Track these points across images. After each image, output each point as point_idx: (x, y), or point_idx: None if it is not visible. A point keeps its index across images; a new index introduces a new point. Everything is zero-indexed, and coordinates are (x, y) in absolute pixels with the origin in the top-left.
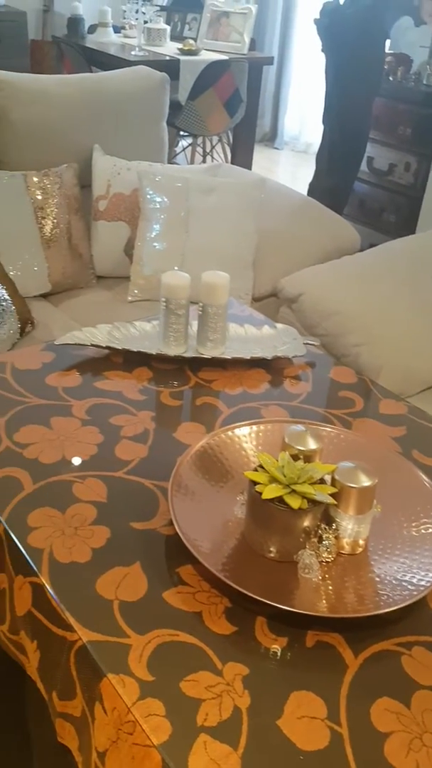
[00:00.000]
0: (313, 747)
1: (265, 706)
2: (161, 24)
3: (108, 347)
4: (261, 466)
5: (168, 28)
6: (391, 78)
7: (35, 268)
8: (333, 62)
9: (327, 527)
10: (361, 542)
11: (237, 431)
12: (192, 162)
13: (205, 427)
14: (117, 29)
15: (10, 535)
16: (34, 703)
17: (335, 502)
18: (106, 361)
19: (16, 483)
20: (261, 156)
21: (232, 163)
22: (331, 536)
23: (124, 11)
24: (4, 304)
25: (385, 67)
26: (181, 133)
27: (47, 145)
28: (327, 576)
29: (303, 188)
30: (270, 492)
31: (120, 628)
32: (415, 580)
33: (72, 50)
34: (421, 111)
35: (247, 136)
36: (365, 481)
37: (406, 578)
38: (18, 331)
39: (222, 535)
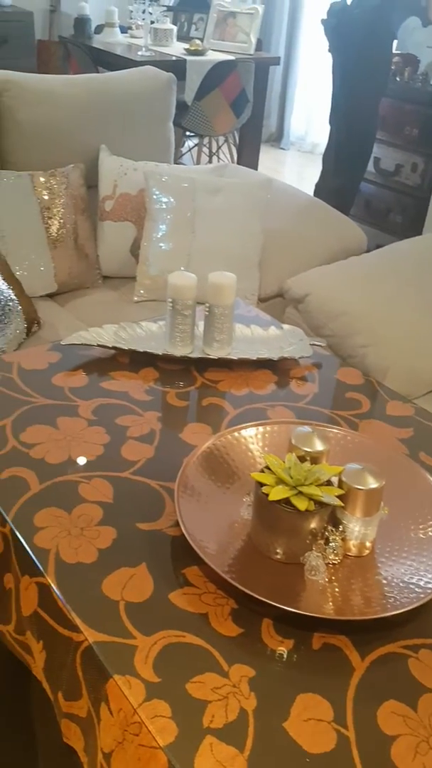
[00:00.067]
0: (320, 750)
1: (272, 708)
2: (168, 24)
3: (114, 347)
4: (267, 468)
5: (174, 28)
6: (398, 78)
7: (41, 268)
8: (340, 63)
9: (334, 529)
10: (368, 544)
11: (243, 432)
12: (198, 162)
13: (212, 427)
14: (124, 29)
15: (17, 535)
16: (40, 704)
17: (342, 504)
18: (113, 361)
19: (23, 483)
20: (267, 156)
21: (238, 163)
22: (337, 538)
23: (131, 11)
24: (10, 304)
25: (392, 67)
26: (188, 133)
27: (54, 145)
28: (333, 578)
29: (309, 189)
30: (277, 493)
31: (126, 629)
32: (422, 583)
33: (78, 50)
34: (428, 112)
35: (254, 136)
36: (372, 483)
37: (413, 581)
38: (24, 331)
39: (228, 537)
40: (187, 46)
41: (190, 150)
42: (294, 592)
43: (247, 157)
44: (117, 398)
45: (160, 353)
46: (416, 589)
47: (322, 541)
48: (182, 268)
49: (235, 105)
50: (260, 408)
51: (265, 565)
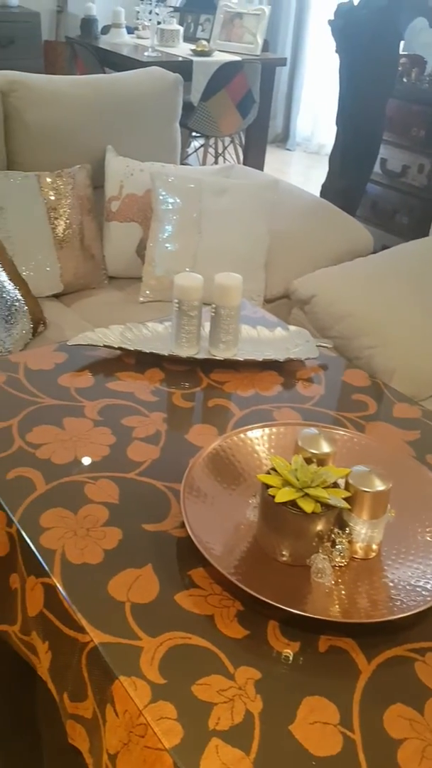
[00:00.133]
0: (326, 753)
1: (278, 711)
2: (174, 25)
3: (120, 348)
4: (274, 469)
5: (181, 29)
6: (405, 79)
7: (48, 269)
8: (347, 63)
9: (340, 531)
10: (374, 547)
11: (249, 434)
12: (204, 163)
13: (217, 429)
14: (130, 30)
15: (23, 536)
16: (45, 704)
17: (349, 507)
18: (118, 362)
19: (29, 483)
20: (273, 157)
21: (243, 164)
22: (344, 540)
23: (138, 12)
24: (17, 304)
25: (399, 68)
26: (194, 134)
27: (60, 145)
28: (340, 580)
29: (315, 190)
30: (283, 495)
31: (132, 631)
32: (429, 586)
33: (85, 51)
34: None
35: (260, 137)
36: (379, 486)
37: (420, 584)
38: (30, 331)
39: (234, 538)
40: (193, 46)
41: (196, 151)
42: (300, 595)
43: (253, 157)
44: (123, 399)
45: (166, 354)
46: (423, 593)
47: (328, 544)
48: (188, 269)
49: (242, 106)
50: (266, 409)
51: (271, 567)
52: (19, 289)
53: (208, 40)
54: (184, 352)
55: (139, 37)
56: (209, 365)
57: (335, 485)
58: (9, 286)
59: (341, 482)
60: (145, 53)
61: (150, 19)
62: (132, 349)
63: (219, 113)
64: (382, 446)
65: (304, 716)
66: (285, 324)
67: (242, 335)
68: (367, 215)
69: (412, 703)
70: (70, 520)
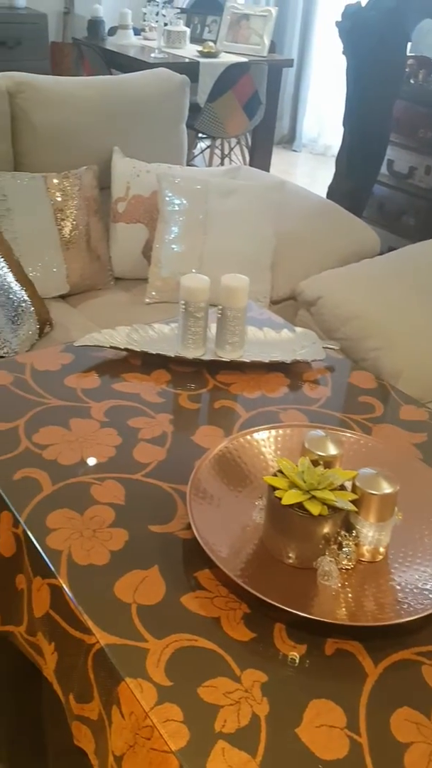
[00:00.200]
0: (332, 756)
1: (284, 714)
2: (181, 26)
3: (126, 349)
4: (280, 471)
5: (188, 30)
6: (412, 81)
7: (54, 270)
8: (354, 65)
9: (347, 534)
10: (381, 550)
11: (256, 435)
12: (210, 164)
13: (224, 430)
14: (137, 31)
15: (29, 536)
16: (51, 705)
17: (356, 509)
18: (125, 363)
19: (35, 484)
20: (279, 158)
21: (250, 165)
22: (351, 543)
23: (145, 13)
24: (23, 305)
25: (407, 70)
26: (200, 135)
27: (67, 147)
28: (347, 583)
29: (321, 191)
30: (290, 498)
31: (138, 632)
32: None
33: (92, 52)
34: None
35: (266, 138)
36: (387, 488)
37: (428, 587)
38: (37, 332)
39: (240, 540)
40: (200, 48)
41: (202, 152)
42: (307, 597)
43: (260, 159)
44: (129, 400)
45: (173, 355)
46: (430, 596)
47: (335, 546)
48: (194, 271)
49: (248, 107)
50: (272, 411)
51: (278, 569)
52: (25, 290)
53: (214, 42)
54: (191, 354)
55: (145, 39)
56: (215, 366)
57: (342, 488)
58: (16, 287)
59: (348, 485)
60: (152, 54)
61: (157, 21)
62: (138, 350)
63: (225, 114)
64: (388, 448)
65: (310, 719)
66: (291, 325)
67: (248, 337)
68: (373, 216)
69: (419, 707)
70: (77, 521)
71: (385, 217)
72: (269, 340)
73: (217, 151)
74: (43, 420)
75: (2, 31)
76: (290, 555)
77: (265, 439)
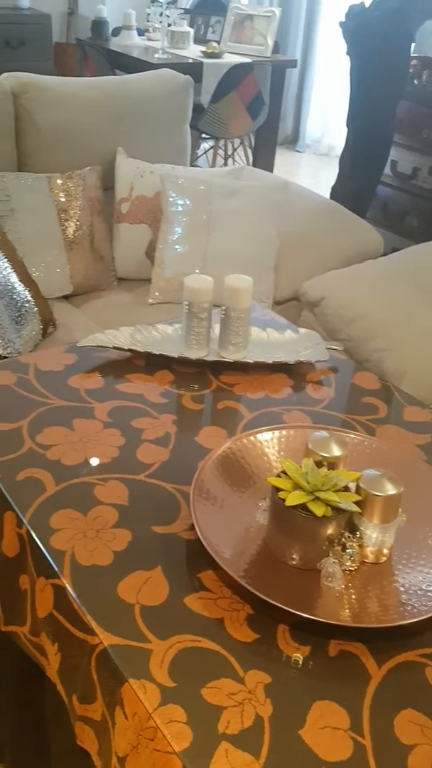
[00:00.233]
0: (336, 758)
1: (288, 716)
2: (185, 27)
3: (130, 350)
4: (284, 473)
5: (191, 31)
6: (415, 81)
7: (58, 270)
8: (358, 65)
9: (351, 535)
10: (385, 551)
11: (259, 436)
12: (213, 164)
13: (227, 431)
14: (141, 32)
15: (33, 537)
16: (54, 706)
17: (360, 511)
18: (128, 363)
19: (39, 484)
20: (282, 159)
21: (253, 165)
22: (354, 545)
23: (148, 14)
24: (27, 305)
25: (411, 70)
26: (203, 135)
27: (71, 147)
28: (350, 585)
29: (324, 191)
30: (294, 499)
31: (141, 633)
32: None
33: (95, 53)
34: None
35: (269, 138)
36: (391, 490)
37: None
38: (40, 333)
39: (244, 541)
40: (203, 48)
41: (205, 152)
42: (310, 599)
43: (263, 159)
44: (132, 401)
45: (176, 356)
46: None
47: (338, 548)
48: (197, 271)
49: (251, 107)
50: (276, 412)
51: (281, 570)
52: (29, 290)
53: (218, 42)
54: (194, 354)
55: (149, 39)
56: (219, 367)
57: (346, 489)
58: (19, 287)
59: (352, 486)
60: (156, 55)
61: (160, 21)
62: (142, 350)
63: (229, 115)
64: (392, 450)
65: (314, 721)
66: (295, 326)
67: (252, 337)
68: (377, 217)
69: (423, 709)
70: (80, 521)
71: (389, 218)
72: (272, 340)
73: (221, 152)
74: (46, 420)
75: (6, 32)
76: (294, 556)
77: (268, 440)
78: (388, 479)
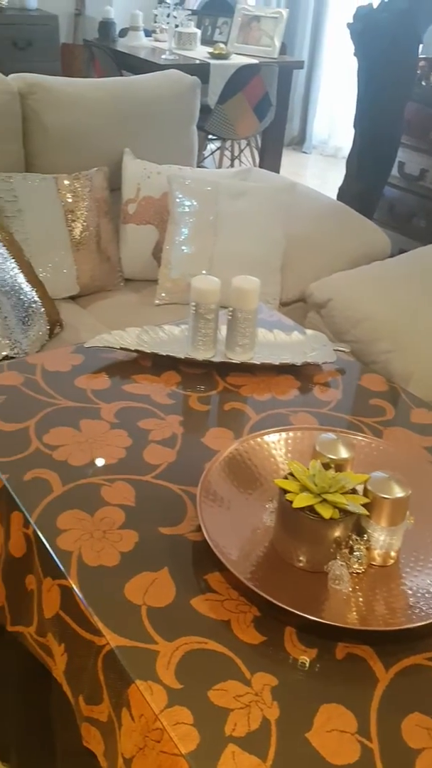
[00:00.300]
0: (343, 761)
1: (295, 718)
2: (192, 28)
3: (137, 350)
4: (291, 474)
5: (199, 32)
6: (423, 83)
7: (64, 271)
8: (365, 67)
9: (358, 538)
10: (392, 554)
11: (266, 438)
12: (220, 165)
13: (234, 432)
14: (148, 33)
15: (40, 537)
16: (60, 706)
17: (367, 513)
18: (135, 364)
19: (46, 484)
20: (289, 160)
21: (260, 166)
22: (362, 547)
23: (156, 15)
24: (34, 305)
25: (418, 72)
26: (210, 136)
27: (78, 148)
28: (358, 587)
29: (331, 193)
30: (301, 501)
31: (148, 634)
32: None
33: (103, 54)
34: None
35: (276, 139)
36: (399, 492)
37: None
38: (47, 333)
39: (250, 543)
40: (210, 49)
41: (212, 153)
42: (317, 601)
43: (269, 160)
44: (139, 401)
45: (183, 357)
46: None
47: (346, 550)
48: (204, 272)
49: (258, 109)
50: (283, 413)
51: (288, 572)
52: (36, 291)
53: (225, 43)
54: (201, 355)
55: (156, 40)
56: (225, 368)
57: (353, 491)
58: (26, 287)
59: (359, 488)
60: (163, 56)
61: (168, 22)
62: (148, 351)
63: (236, 116)
64: (399, 452)
65: (321, 724)
66: (302, 328)
67: (259, 339)
68: (384, 219)
69: (430, 713)
70: (87, 522)
71: (396, 219)
72: (279, 342)
73: (227, 153)
74: (53, 421)
75: (13, 33)
76: (301, 558)
77: (275, 442)
78: (396, 482)
